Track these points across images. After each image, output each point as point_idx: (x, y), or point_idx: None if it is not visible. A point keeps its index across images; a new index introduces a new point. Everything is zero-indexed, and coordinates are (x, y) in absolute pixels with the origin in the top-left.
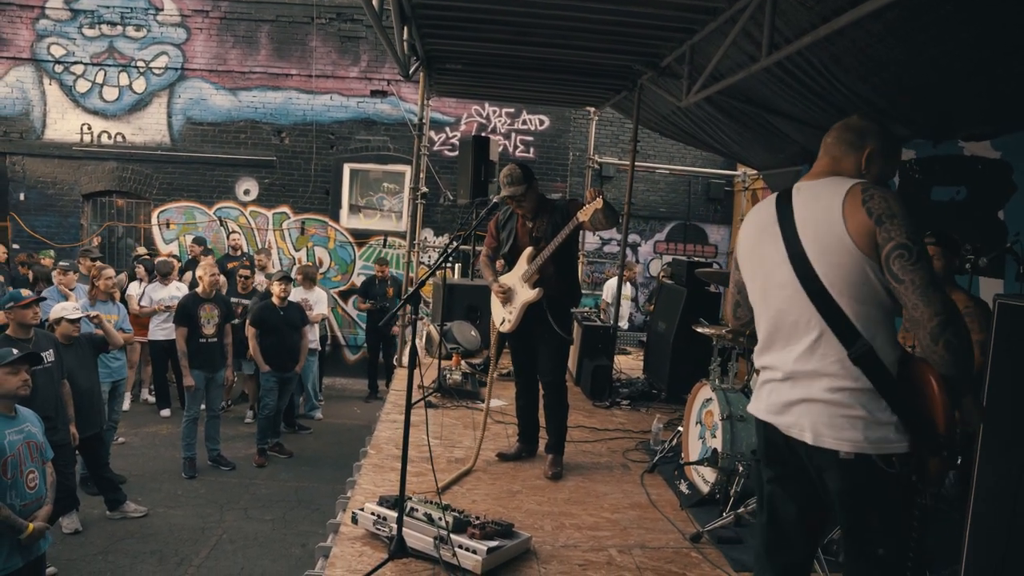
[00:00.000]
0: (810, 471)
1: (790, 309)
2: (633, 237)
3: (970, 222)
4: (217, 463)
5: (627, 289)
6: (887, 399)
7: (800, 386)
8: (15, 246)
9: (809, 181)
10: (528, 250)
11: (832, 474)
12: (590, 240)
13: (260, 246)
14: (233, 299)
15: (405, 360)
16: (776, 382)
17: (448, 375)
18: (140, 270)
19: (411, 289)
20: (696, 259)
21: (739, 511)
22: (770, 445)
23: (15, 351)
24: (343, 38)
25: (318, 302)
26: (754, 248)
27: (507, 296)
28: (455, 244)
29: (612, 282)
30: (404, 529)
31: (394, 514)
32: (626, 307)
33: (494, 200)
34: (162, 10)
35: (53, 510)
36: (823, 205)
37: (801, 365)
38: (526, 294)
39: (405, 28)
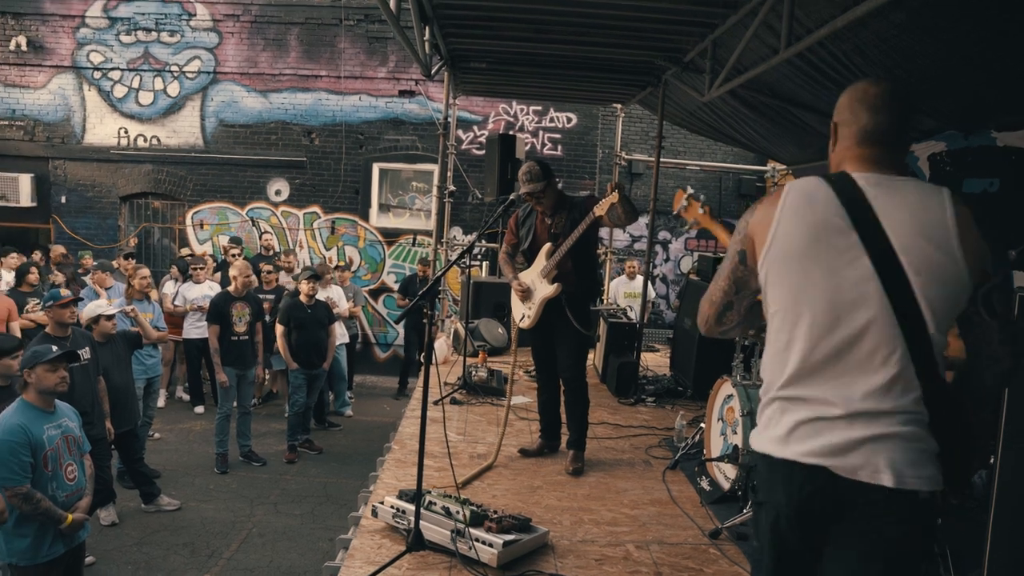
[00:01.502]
0: (871, 521)
1: (867, 335)
2: (664, 234)
3: (1004, 214)
4: (249, 459)
5: (633, 285)
6: (935, 431)
7: (871, 424)
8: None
9: (875, 175)
10: (547, 246)
11: (899, 520)
12: (619, 237)
13: (289, 246)
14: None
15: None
16: (829, 420)
17: (474, 372)
18: (174, 270)
19: (429, 283)
20: (723, 255)
21: None
22: (816, 496)
23: (54, 348)
24: (371, 39)
25: (341, 299)
26: (808, 249)
27: (526, 293)
28: (478, 240)
29: (617, 281)
30: (422, 522)
31: (412, 507)
32: (628, 303)
33: (511, 197)
34: (195, 15)
35: (91, 502)
36: (925, 216)
37: (874, 403)
38: (545, 290)
39: (427, 28)
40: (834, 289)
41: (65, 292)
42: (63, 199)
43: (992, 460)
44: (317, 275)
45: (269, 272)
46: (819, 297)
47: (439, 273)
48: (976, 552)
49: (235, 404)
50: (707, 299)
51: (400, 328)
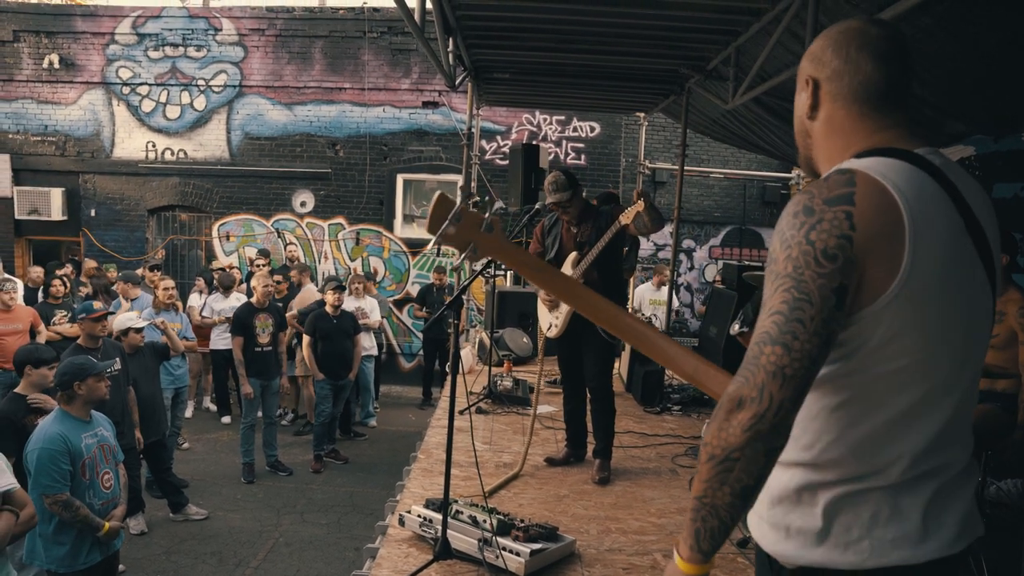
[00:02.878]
0: None
1: (976, 375)
2: (688, 243)
3: None
4: (275, 468)
5: (660, 293)
6: None
7: (973, 471)
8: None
9: (930, 149)
10: (572, 255)
11: None
12: (643, 245)
13: (299, 260)
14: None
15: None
16: (951, 481)
17: (499, 381)
18: (200, 282)
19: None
20: (749, 263)
21: None
22: None
23: (95, 361)
24: (394, 51)
25: (372, 310)
26: (947, 265)
27: (554, 302)
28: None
29: (642, 288)
30: (449, 531)
31: (439, 516)
32: (654, 310)
33: (536, 207)
34: (221, 30)
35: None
36: (992, 210)
37: (971, 444)
38: None
39: (450, 39)
40: (967, 316)
41: (98, 305)
42: (93, 212)
43: None
44: (342, 286)
45: (279, 282)
46: (952, 327)
47: (467, 282)
48: (1015, 561)
49: (260, 414)
50: (773, 374)
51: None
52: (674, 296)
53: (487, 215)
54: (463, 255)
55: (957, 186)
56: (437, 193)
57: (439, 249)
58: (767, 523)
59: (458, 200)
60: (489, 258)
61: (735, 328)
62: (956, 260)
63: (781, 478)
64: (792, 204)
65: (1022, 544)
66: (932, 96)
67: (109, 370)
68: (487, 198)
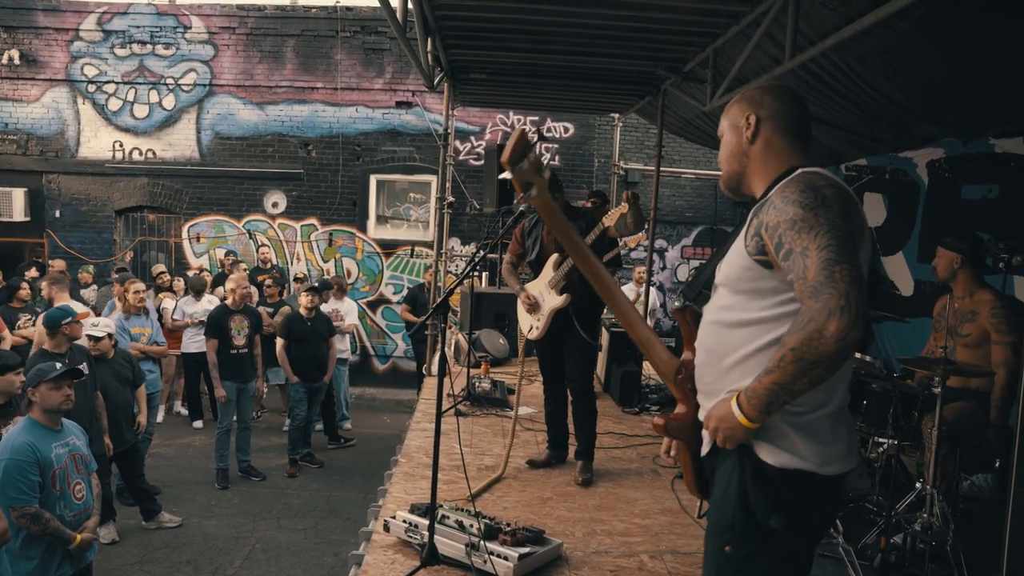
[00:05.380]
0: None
1: None
2: (660, 243)
3: (1003, 220)
4: (247, 473)
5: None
6: None
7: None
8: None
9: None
10: (554, 256)
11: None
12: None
13: (287, 260)
14: (260, 307)
15: (435, 369)
16: (846, 411)
17: (477, 383)
18: (178, 284)
19: (439, 299)
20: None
21: None
22: (839, 500)
23: (58, 365)
24: (367, 50)
25: (348, 313)
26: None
27: (534, 304)
28: (482, 253)
29: (625, 289)
30: (436, 536)
31: (425, 521)
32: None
33: (520, 208)
34: (190, 28)
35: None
36: None
37: None
38: (553, 300)
39: (429, 39)
40: None
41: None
42: (57, 213)
43: (997, 463)
44: (316, 288)
45: (269, 285)
46: None
47: (451, 288)
48: (988, 554)
49: (235, 418)
50: (852, 281)
51: (400, 341)
52: (653, 294)
53: (548, 165)
54: (523, 194)
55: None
56: (520, 128)
57: (412, 250)
58: (762, 435)
59: (536, 140)
60: (536, 203)
61: (676, 304)
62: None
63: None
64: (790, 191)
65: (994, 537)
66: (905, 99)
67: (83, 376)
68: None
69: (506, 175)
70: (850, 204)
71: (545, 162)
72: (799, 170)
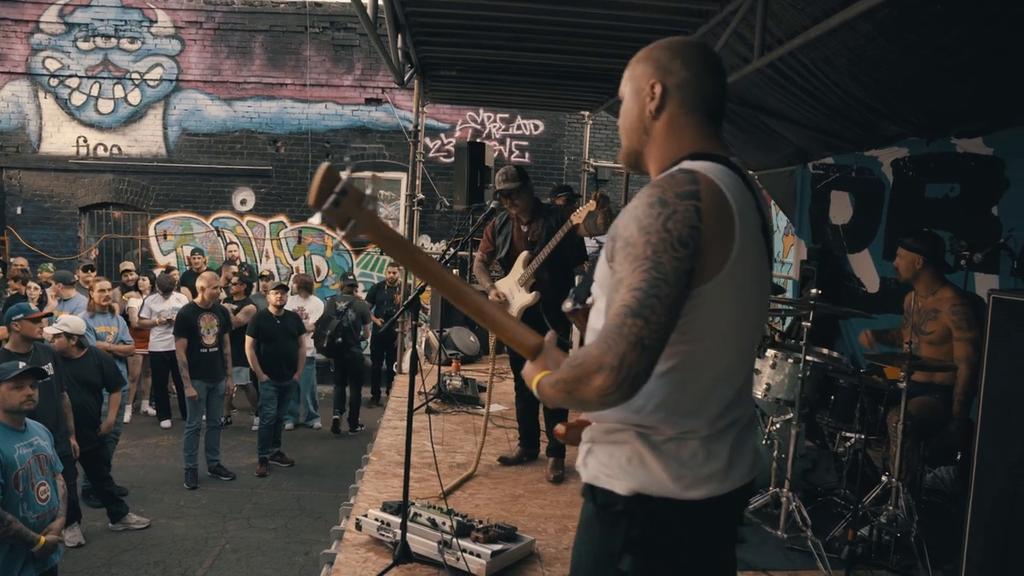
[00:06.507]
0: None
1: (760, 336)
2: None
3: (964, 218)
4: (217, 473)
5: None
6: None
7: (755, 417)
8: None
9: (740, 160)
10: (524, 254)
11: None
12: (587, 244)
13: (256, 258)
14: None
15: (406, 367)
16: (746, 427)
17: (448, 381)
18: (144, 283)
19: (410, 297)
20: None
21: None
22: (732, 521)
23: (22, 365)
24: (337, 47)
25: (313, 311)
26: (756, 256)
27: (504, 301)
28: (453, 251)
29: None
30: (408, 534)
31: (398, 519)
32: None
33: (491, 206)
34: (156, 22)
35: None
36: (765, 209)
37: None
38: (523, 298)
39: (399, 36)
40: (761, 295)
41: (34, 307)
42: (19, 210)
43: (959, 456)
44: (285, 286)
45: (235, 284)
46: (756, 305)
47: (421, 287)
48: (950, 544)
49: (204, 418)
50: (634, 344)
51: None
52: None
53: (368, 191)
54: (344, 231)
55: (755, 191)
56: (324, 165)
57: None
58: (606, 463)
59: (347, 174)
60: (365, 236)
61: (567, 306)
62: (760, 251)
63: (611, 435)
64: (645, 196)
65: (956, 527)
66: (869, 99)
67: (46, 377)
68: (371, 174)
69: (315, 219)
70: (694, 228)
71: (368, 191)
72: (682, 163)
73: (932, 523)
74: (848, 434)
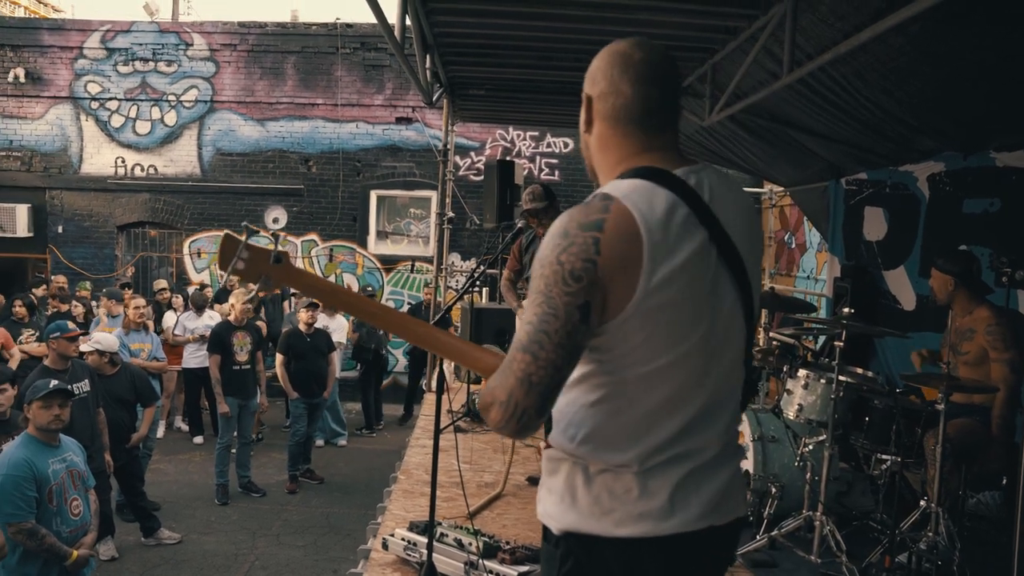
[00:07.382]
0: (722, 561)
1: (732, 370)
2: None
3: (1005, 234)
4: (247, 490)
5: None
6: None
7: (735, 453)
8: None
9: (695, 167)
10: None
11: (734, 547)
12: None
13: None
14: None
15: (434, 385)
16: (703, 465)
17: (477, 399)
18: (177, 300)
19: (439, 314)
20: None
21: (773, 534)
22: (696, 568)
23: (54, 382)
24: (367, 67)
25: (337, 330)
26: (688, 281)
27: None
28: (482, 268)
29: None
30: (434, 554)
31: (424, 539)
32: None
33: (519, 225)
34: (192, 45)
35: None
36: (748, 217)
37: (733, 432)
38: None
39: (428, 56)
40: (714, 331)
41: (72, 325)
42: (60, 229)
43: (1004, 480)
44: (315, 303)
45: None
46: (701, 342)
47: (451, 303)
48: (996, 574)
49: (235, 434)
50: (520, 381)
51: (400, 356)
52: None
53: (275, 248)
54: (257, 287)
55: (708, 202)
56: (224, 233)
57: (413, 265)
58: (544, 499)
59: (244, 238)
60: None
61: None
62: (698, 274)
63: (551, 463)
64: (557, 223)
65: (1003, 555)
66: (903, 113)
67: (79, 393)
68: (280, 235)
69: (225, 273)
70: (588, 261)
71: (275, 246)
72: (609, 184)
73: (976, 551)
74: (884, 456)
